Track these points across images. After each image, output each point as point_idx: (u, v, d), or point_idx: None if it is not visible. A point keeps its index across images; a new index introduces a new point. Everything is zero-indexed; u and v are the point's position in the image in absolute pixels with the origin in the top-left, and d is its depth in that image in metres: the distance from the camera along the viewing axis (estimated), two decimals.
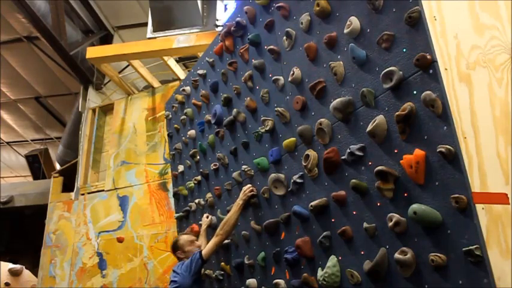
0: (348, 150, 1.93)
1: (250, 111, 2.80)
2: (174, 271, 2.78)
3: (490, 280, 1.37)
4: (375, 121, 1.79)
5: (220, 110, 3.15)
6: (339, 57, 2.06)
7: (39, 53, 7.65)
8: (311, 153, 2.20)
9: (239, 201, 2.72)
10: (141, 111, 6.22)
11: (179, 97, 3.88)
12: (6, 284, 8.28)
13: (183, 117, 3.78)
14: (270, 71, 2.62)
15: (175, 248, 2.92)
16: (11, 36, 7.23)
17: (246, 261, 2.79)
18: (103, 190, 6.01)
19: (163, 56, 5.84)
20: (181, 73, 6.28)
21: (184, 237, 2.95)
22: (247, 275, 2.80)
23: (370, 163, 1.85)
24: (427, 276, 1.57)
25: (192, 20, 5.07)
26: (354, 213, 1.95)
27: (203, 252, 2.68)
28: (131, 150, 6.03)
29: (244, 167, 2.81)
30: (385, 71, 1.75)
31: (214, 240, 2.67)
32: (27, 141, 10.56)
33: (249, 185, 2.75)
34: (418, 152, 1.60)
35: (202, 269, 3.29)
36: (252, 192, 2.72)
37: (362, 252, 1.89)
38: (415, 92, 1.65)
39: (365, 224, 1.85)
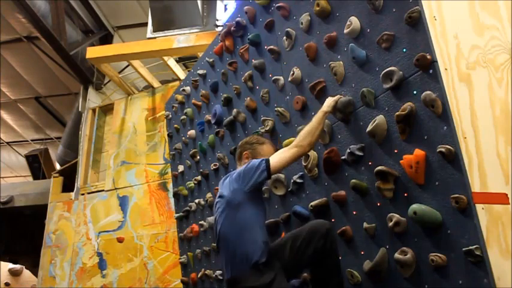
0: (348, 150, 1.93)
1: (250, 111, 2.80)
2: (223, 181, 2.10)
3: (490, 280, 1.37)
4: (375, 121, 1.79)
5: (220, 110, 3.15)
6: (339, 57, 2.06)
7: (39, 53, 7.64)
8: (311, 153, 2.20)
9: (324, 109, 1.98)
10: (141, 111, 6.22)
11: (179, 97, 3.88)
12: (6, 284, 8.29)
13: (183, 117, 3.78)
14: (270, 71, 2.62)
15: (246, 147, 2.19)
16: (11, 36, 7.22)
17: None
18: (103, 190, 6.01)
19: (163, 56, 5.84)
20: (181, 73, 6.28)
21: (270, 147, 2.19)
22: None
23: (370, 163, 1.85)
24: (427, 276, 1.57)
25: (192, 20, 5.07)
26: (354, 213, 1.95)
27: (272, 163, 1.92)
28: (131, 150, 6.03)
29: None
30: (385, 71, 1.75)
31: (290, 151, 1.93)
32: (27, 141, 10.55)
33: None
34: (418, 152, 1.61)
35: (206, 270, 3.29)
36: (339, 96, 1.99)
37: (362, 252, 1.89)
38: (415, 92, 1.65)
39: (365, 224, 1.85)
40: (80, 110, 6.94)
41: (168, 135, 4.19)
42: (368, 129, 1.81)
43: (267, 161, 1.94)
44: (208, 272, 3.24)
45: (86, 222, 5.95)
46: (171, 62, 6.12)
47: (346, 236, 1.96)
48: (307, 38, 2.28)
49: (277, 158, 1.95)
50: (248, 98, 2.79)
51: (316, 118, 1.98)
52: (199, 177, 3.48)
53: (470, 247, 1.41)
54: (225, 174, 3.06)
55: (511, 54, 1.75)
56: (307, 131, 1.95)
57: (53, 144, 10.39)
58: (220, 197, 2.04)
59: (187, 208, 3.64)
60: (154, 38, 5.39)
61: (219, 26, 4.90)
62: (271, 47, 2.54)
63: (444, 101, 1.53)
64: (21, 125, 9.96)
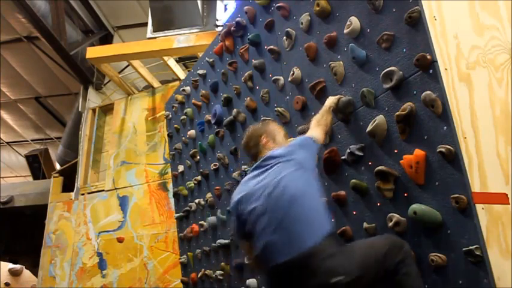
0: (348, 150, 1.93)
1: (250, 111, 2.80)
2: (265, 159, 1.81)
3: (490, 280, 1.37)
4: (375, 121, 1.79)
5: (220, 110, 3.15)
6: (339, 57, 2.06)
7: (39, 53, 7.64)
8: None
9: (327, 104, 2.01)
10: (141, 111, 6.22)
11: (179, 97, 3.88)
12: (6, 284, 8.29)
13: (183, 117, 3.78)
14: (270, 71, 2.61)
15: (259, 133, 1.96)
16: (11, 36, 7.22)
17: (246, 261, 2.79)
18: (103, 190, 6.01)
19: (163, 56, 5.84)
20: (181, 73, 6.28)
21: (276, 127, 2.04)
22: (247, 275, 2.80)
23: (370, 163, 1.85)
24: (427, 276, 1.57)
25: (192, 20, 5.07)
26: (354, 213, 1.95)
27: (314, 136, 1.86)
28: (131, 150, 6.03)
29: (244, 166, 2.80)
30: (385, 71, 1.75)
31: (321, 128, 1.91)
32: (27, 141, 10.54)
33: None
34: (418, 152, 1.61)
35: (203, 271, 3.29)
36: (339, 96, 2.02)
37: None
38: (415, 92, 1.65)
39: (365, 224, 1.85)
40: (80, 110, 6.95)
41: (168, 135, 4.19)
42: (368, 129, 1.81)
43: (312, 138, 1.85)
44: (208, 272, 3.24)
45: (86, 222, 5.95)
46: (171, 62, 6.12)
47: (346, 236, 1.96)
48: (307, 38, 2.28)
49: (314, 133, 1.88)
50: (248, 98, 2.79)
51: (321, 110, 2.01)
52: (199, 177, 3.48)
53: (470, 247, 1.41)
54: (225, 174, 3.08)
55: (511, 54, 1.75)
56: (320, 114, 1.97)
57: (53, 144, 10.39)
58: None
59: (187, 208, 3.64)
60: (154, 38, 5.39)
61: (219, 26, 4.90)
62: (271, 47, 2.54)
63: (444, 101, 1.53)
64: (21, 125, 9.96)
